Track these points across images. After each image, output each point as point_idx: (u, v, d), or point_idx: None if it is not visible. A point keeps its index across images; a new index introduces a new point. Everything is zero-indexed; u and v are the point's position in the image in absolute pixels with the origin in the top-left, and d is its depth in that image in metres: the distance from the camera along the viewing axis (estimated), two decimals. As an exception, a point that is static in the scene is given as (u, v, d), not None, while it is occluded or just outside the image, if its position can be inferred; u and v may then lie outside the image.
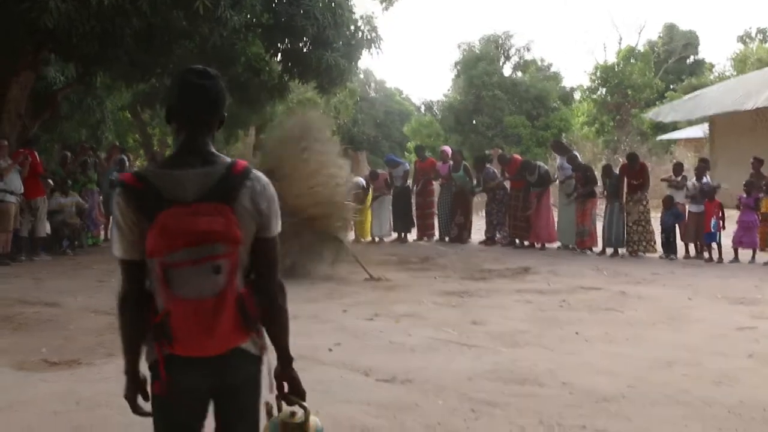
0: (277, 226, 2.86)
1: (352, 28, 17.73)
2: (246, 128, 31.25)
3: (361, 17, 18.93)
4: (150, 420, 5.59)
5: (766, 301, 10.34)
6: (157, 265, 2.70)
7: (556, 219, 16.69)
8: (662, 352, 7.54)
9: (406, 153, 41.95)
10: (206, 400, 2.94)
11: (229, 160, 2.85)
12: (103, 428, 5.39)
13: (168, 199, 2.71)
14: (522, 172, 16.73)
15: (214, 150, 2.86)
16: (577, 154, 17.30)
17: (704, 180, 14.92)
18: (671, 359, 7.26)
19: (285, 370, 2.98)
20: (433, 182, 18.25)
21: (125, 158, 17.52)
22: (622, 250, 15.18)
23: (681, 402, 5.95)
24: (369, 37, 18.24)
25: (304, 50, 17.65)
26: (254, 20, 16.47)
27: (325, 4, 16.45)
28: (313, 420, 3.05)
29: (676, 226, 14.90)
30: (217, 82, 2.89)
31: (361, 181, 17.32)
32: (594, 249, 15.65)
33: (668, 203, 14.89)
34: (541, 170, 16.74)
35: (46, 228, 15.22)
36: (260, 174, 2.84)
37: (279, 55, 18.31)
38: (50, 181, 15.47)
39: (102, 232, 17.43)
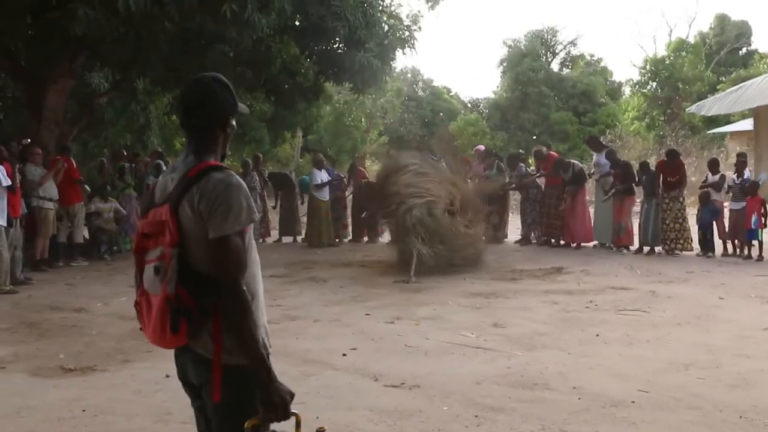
0: (219, 229, 2.77)
1: (385, 27, 17.66)
2: (292, 130, 31.42)
3: (407, 16, 18.92)
4: (145, 424, 5.65)
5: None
6: (137, 261, 2.93)
7: (592, 217, 16.48)
8: (682, 355, 7.40)
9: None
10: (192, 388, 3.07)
11: (193, 163, 2.91)
12: (103, 435, 5.44)
13: (155, 201, 2.96)
14: (557, 169, 16.59)
15: (201, 154, 2.94)
16: (615, 150, 17.13)
17: (745, 176, 14.63)
18: (690, 361, 7.12)
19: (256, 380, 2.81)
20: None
21: (161, 163, 17.67)
22: (658, 249, 14.95)
23: (692, 407, 5.83)
24: (403, 36, 18.19)
25: (338, 51, 17.67)
26: (286, 22, 16.49)
27: (356, 4, 16.40)
28: None
29: (714, 223, 14.62)
30: (196, 88, 3.01)
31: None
32: (631, 248, 15.40)
33: (705, 200, 14.63)
34: (575, 168, 16.54)
35: (84, 233, 15.44)
36: (218, 175, 2.82)
37: (313, 56, 18.33)
38: (87, 187, 15.66)
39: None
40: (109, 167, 16.86)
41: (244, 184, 2.88)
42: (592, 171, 16.99)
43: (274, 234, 19.47)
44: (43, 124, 15.88)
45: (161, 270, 2.80)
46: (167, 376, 6.92)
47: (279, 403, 2.76)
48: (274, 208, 19.52)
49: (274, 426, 2.82)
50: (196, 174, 2.83)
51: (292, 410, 2.81)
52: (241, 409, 2.83)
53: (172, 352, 7.81)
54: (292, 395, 2.81)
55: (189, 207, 2.80)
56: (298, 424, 2.86)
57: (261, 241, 17.87)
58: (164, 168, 17.36)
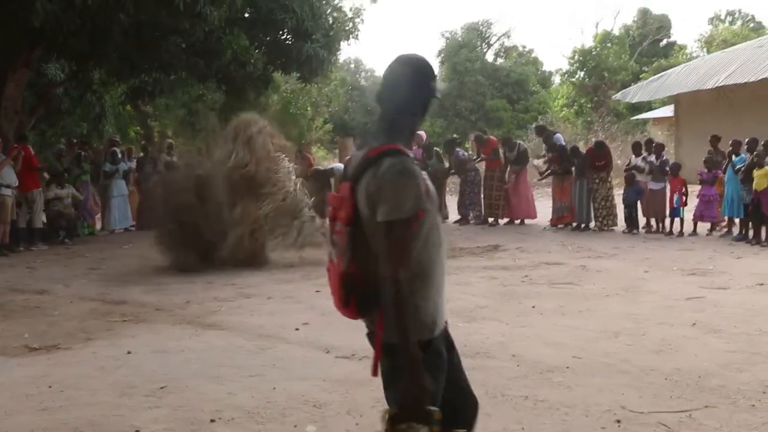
0: (385, 213, 2.66)
1: (330, 20, 17.66)
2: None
3: (350, 9, 18.92)
4: (109, 399, 5.60)
5: (717, 272, 10.37)
6: (330, 231, 2.93)
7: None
8: (611, 324, 7.55)
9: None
10: None
11: (378, 144, 2.82)
12: (69, 409, 5.38)
13: (347, 176, 2.92)
14: (503, 147, 17.00)
15: (389, 136, 2.84)
16: (560, 136, 17.42)
17: (664, 158, 14.97)
18: (618, 330, 7.27)
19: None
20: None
21: (117, 150, 17.50)
22: (592, 225, 15.27)
23: (621, 371, 5.96)
24: (347, 28, 18.21)
25: (286, 42, 17.64)
26: (236, 15, 16.38)
27: (302, -4, 16.44)
28: None
29: (638, 201, 14.91)
30: (394, 69, 2.92)
31: (340, 166, 17.42)
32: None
33: (630, 180, 14.88)
34: (520, 148, 16.86)
35: (43, 219, 15.20)
36: (391, 160, 2.70)
37: (262, 47, 18.26)
38: (45, 174, 15.42)
39: (98, 222, 17.47)
40: (66, 155, 16.61)
41: (418, 171, 2.76)
42: (543, 154, 17.31)
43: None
44: (2, 113, 15.63)
45: (337, 244, 2.81)
46: (129, 352, 6.89)
47: (413, 400, 2.62)
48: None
49: None
50: (374, 155, 2.75)
51: (431, 408, 2.62)
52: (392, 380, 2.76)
53: (131, 330, 7.77)
54: (433, 394, 2.67)
55: (364, 187, 2.74)
56: (435, 422, 2.62)
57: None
58: (119, 155, 17.19)
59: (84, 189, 16.42)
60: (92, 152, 18.10)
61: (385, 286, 2.67)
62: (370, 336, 2.90)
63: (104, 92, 22.22)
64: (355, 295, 2.75)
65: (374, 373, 2.78)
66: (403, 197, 2.66)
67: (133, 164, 18.15)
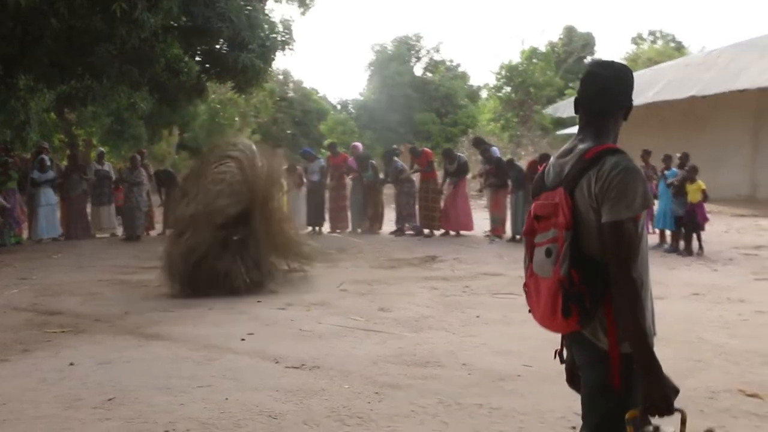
0: (612, 213, 2.60)
1: (267, 30, 17.56)
2: (169, 127, 30.77)
3: (280, 21, 18.83)
4: (56, 411, 5.43)
5: (653, 282, 10.43)
6: (527, 243, 2.89)
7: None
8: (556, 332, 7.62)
9: (322, 150, 41.95)
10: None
11: (590, 146, 2.76)
12: (14, 423, 5.22)
13: (546, 185, 2.86)
14: (443, 159, 17.29)
15: (599, 138, 2.80)
16: (496, 149, 17.59)
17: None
18: (564, 339, 7.36)
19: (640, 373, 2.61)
20: (346, 176, 18.20)
21: (45, 158, 17.11)
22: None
23: (571, 379, 6.03)
24: (283, 38, 18.13)
25: (221, 51, 17.49)
26: (172, 22, 16.18)
27: (239, 7, 16.28)
28: None
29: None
30: (610, 72, 2.87)
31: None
32: (504, 237, 15.79)
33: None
34: (460, 160, 16.97)
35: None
36: (615, 159, 2.66)
37: (197, 56, 18.07)
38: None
39: (24, 231, 17.02)
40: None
41: (641, 170, 2.71)
42: (480, 168, 17.41)
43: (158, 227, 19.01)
44: (-75, 120, 15.13)
45: (553, 252, 2.70)
46: (71, 364, 6.71)
47: (659, 398, 2.55)
48: (161, 205, 18.78)
49: (659, 422, 2.62)
50: (593, 156, 2.70)
51: (677, 407, 2.58)
52: (625, 398, 2.66)
53: (71, 341, 7.53)
54: (676, 391, 2.59)
55: (586, 189, 2.67)
56: (683, 422, 2.62)
57: (145, 234, 17.54)
58: (48, 163, 16.77)
59: (11, 197, 15.99)
60: (18, 159, 17.67)
61: (616, 288, 2.60)
62: (583, 342, 2.78)
63: (30, 99, 21.66)
64: (577, 303, 2.64)
65: (617, 385, 2.67)
66: (633, 195, 2.61)
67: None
